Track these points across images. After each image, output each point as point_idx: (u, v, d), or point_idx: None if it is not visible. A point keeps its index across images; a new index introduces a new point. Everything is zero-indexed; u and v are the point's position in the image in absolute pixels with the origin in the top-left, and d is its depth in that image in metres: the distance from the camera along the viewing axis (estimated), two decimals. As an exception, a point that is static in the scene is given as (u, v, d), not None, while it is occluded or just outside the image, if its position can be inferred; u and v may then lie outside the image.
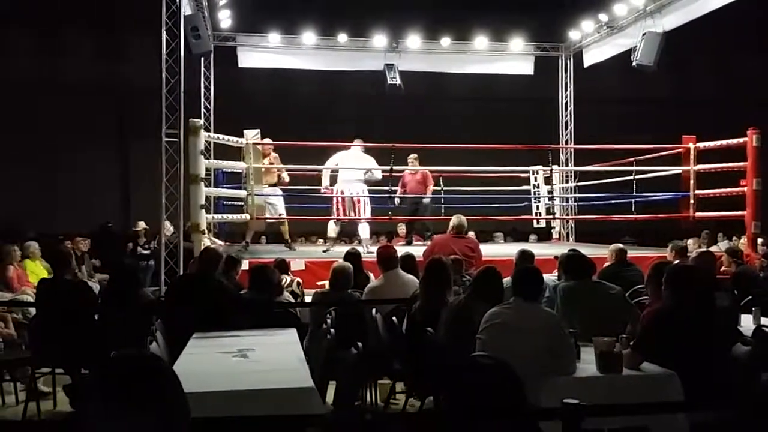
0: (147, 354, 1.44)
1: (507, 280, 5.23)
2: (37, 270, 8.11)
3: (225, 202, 11.47)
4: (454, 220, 7.93)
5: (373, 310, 5.68)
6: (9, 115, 15.00)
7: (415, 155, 10.63)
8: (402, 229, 12.30)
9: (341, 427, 1.31)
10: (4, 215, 13.84)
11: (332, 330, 5.15)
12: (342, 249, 9.90)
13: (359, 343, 5.10)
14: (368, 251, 9.05)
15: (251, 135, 9.69)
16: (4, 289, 7.31)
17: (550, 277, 5.95)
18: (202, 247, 7.65)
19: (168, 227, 8.76)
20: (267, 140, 9.79)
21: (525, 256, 6.46)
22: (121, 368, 1.34)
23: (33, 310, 6.18)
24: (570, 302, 4.89)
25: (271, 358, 4.12)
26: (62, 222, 12.96)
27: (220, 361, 4.05)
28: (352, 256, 6.73)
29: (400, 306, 5.49)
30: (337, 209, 9.73)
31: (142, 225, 11.89)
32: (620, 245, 7.17)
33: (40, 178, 15.30)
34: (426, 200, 10.63)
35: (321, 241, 10.66)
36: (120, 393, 1.29)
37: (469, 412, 3.52)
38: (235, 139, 9.70)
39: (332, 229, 9.99)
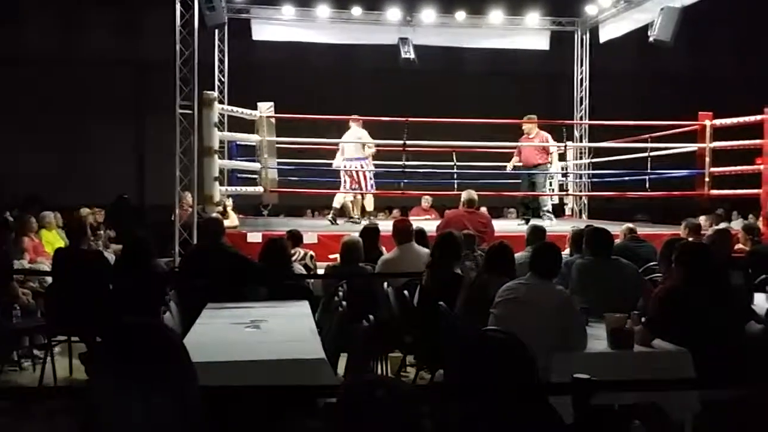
0: (155, 323, 1.46)
1: (519, 256, 5.25)
2: (54, 240, 8.17)
3: (239, 175, 11.49)
4: (464, 195, 7.92)
5: (385, 284, 5.71)
6: (27, 89, 15.06)
7: (531, 116, 10.27)
8: (427, 201, 12.08)
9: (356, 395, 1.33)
10: (22, 187, 13.95)
11: (344, 303, 5.17)
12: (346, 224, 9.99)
13: (371, 316, 5.13)
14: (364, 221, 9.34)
15: (265, 108, 9.69)
16: (21, 259, 7.37)
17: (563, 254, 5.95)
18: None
19: (188, 198, 8.80)
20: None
21: (536, 232, 6.45)
22: (130, 337, 1.35)
23: (49, 279, 6.25)
24: (587, 279, 4.87)
25: (283, 330, 4.16)
26: (78, 193, 13.02)
27: (232, 332, 4.09)
28: (371, 231, 6.74)
29: (412, 279, 5.52)
30: (344, 183, 9.87)
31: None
32: (630, 225, 7.17)
33: (57, 150, 15.39)
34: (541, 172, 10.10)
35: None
36: (129, 361, 1.31)
37: (480, 386, 3.54)
38: (249, 111, 9.70)
39: (337, 201, 10.13)
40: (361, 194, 10.05)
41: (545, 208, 10.23)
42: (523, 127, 10.30)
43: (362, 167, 9.78)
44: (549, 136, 10.34)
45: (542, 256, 4.08)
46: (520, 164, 10.24)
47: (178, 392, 1.34)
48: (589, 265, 4.97)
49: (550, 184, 11.98)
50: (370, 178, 9.87)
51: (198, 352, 3.59)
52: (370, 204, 10.19)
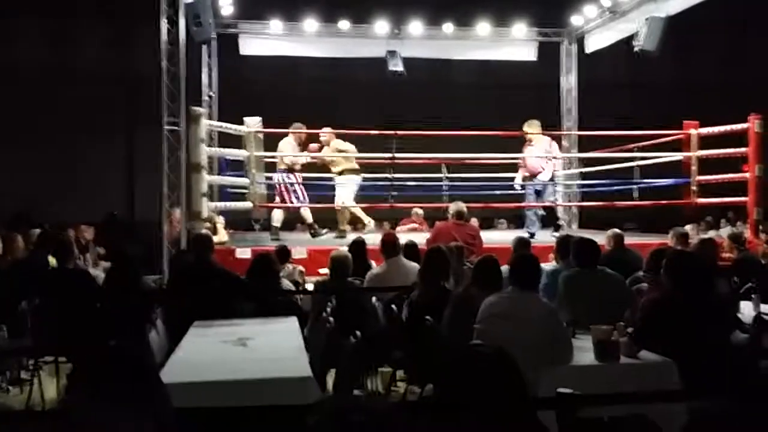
0: (126, 346, 1.46)
1: (506, 268, 5.26)
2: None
3: (229, 190, 11.45)
4: (452, 207, 7.93)
5: (373, 298, 5.71)
6: (14, 104, 15.01)
7: (533, 121, 9.99)
8: (418, 213, 11.99)
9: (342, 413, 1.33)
10: (9, 204, 13.87)
11: (332, 318, 5.17)
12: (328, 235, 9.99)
13: (359, 332, 5.12)
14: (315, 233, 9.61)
15: (253, 123, 9.69)
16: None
17: (548, 266, 5.96)
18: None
19: (176, 214, 8.80)
20: (327, 129, 9.87)
21: (521, 243, 6.48)
22: (102, 361, 1.35)
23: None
24: (574, 290, 4.87)
25: (269, 347, 4.14)
26: (67, 210, 12.97)
27: (219, 350, 4.08)
28: (358, 245, 6.75)
29: (400, 294, 5.51)
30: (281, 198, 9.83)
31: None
32: (617, 230, 7.09)
33: (45, 166, 15.31)
34: (544, 179, 9.81)
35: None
36: (101, 385, 1.31)
37: (467, 401, 3.53)
38: (237, 127, 9.70)
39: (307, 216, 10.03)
40: (290, 209, 9.91)
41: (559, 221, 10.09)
42: (526, 134, 10.07)
43: (281, 180, 9.71)
44: (551, 141, 10.13)
45: (520, 268, 4.07)
46: (527, 175, 10.08)
47: (149, 416, 1.34)
48: (576, 276, 4.98)
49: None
50: (294, 191, 9.71)
51: (184, 372, 3.58)
52: (308, 216, 9.97)
